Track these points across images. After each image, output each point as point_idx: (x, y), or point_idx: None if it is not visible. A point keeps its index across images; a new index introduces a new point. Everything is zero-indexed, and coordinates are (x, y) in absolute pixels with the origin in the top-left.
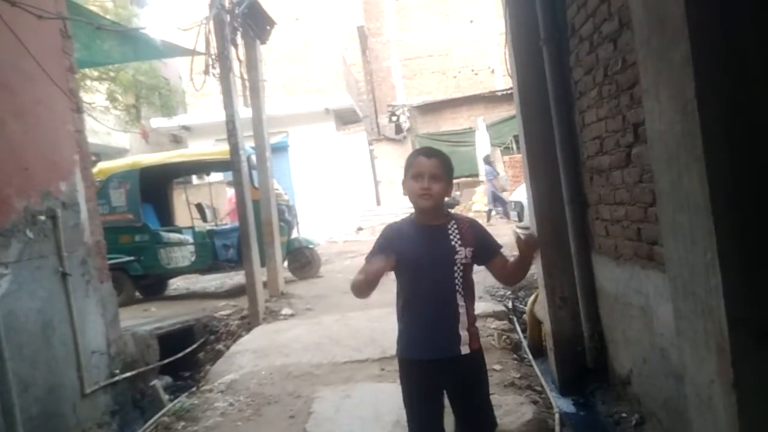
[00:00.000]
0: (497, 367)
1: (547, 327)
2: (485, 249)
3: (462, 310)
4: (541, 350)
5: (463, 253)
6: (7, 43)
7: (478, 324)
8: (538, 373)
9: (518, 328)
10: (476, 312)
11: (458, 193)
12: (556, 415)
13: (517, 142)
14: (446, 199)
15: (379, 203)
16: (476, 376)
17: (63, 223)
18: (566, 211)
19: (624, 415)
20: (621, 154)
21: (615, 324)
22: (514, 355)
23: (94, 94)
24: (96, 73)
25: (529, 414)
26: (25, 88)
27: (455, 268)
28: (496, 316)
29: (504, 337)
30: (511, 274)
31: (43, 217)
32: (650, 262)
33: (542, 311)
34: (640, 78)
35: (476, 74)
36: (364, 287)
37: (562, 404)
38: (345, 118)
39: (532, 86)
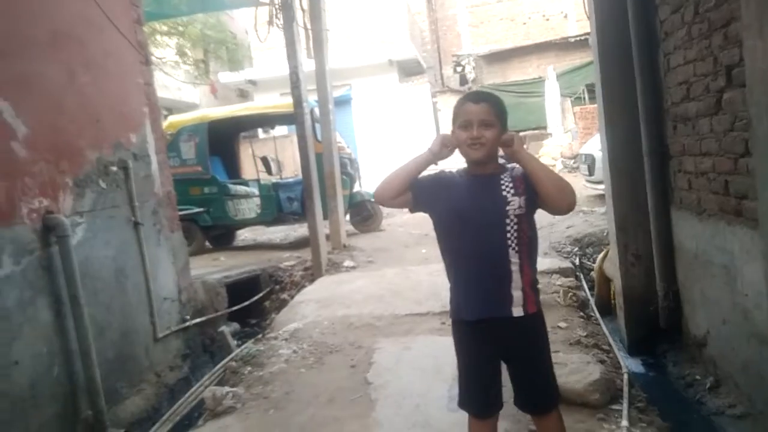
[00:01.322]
0: (563, 324)
1: (617, 285)
2: (533, 189)
3: (515, 268)
4: (609, 309)
5: (516, 202)
6: None
7: (543, 281)
8: (606, 331)
9: (585, 286)
10: (541, 269)
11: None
12: (625, 376)
13: (589, 92)
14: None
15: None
16: (531, 343)
17: (134, 174)
18: (645, 162)
19: (697, 377)
20: (710, 99)
21: (693, 283)
22: (581, 313)
23: (164, 48)
24: (165, 28)
25: (597, 373)
26: (94, 40)
27: (507, 220)
28: (562, 272)
29: (570, 294)
30: (541, 194)
31: (115, 168)
32: (737, 218)
33: (612, 268)
34: (741, 12)
35: (547, 20)
36: (400, 173)
37: (630, 364)
38: (408, 70)
39: (611, 26)
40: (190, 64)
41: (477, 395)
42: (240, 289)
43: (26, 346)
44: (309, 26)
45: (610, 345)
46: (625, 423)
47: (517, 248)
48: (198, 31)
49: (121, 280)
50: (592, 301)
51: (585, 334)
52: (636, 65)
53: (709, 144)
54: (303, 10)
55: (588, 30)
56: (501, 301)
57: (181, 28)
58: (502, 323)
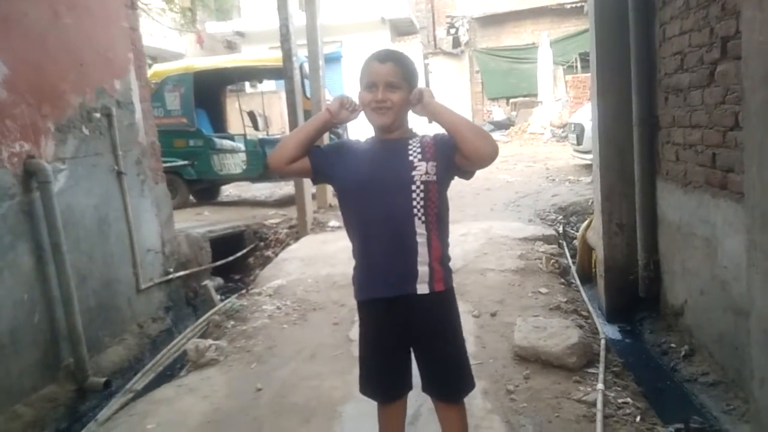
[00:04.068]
0: (543, 290)
1: (599, 253)
2: (447, 150)
3: (421, 240)
4: (590, 277)
5: (423, 168)
6: None
7: (527, 247)
8: (585, 298)
9: (567, 253)
10: (525, 235)
11: (514, 113)
12: (602, 341)
13: (582, 61)
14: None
15: (431, 121)
16: (438, 323)
17: (118, 122)
18: (634, 132)
19: (673, 345)
20: (704, 71)
21: (674, 254)
22: (562, 280)
23: None
24: None
25: (575, 337)
26: None
27: (413, 187)
28: (546, 239)
29: (552, 261)
30: (462, 143)
31: (98, 115)
32: (722, 191)
33: (595, 237)
34: None
35: None
36: (295, 136)
37: (608, 331)
38: (401, 29)
39: None
40: (177, 11)
41: (381, 382)
42: (224, 244)
43: (6, 292)
44: None
45: (588, 311)
46: (600, 386)
47: (423, 218)
48: None
49: (104, 230)
50: (573, 269)
51: (565, 299)
52: (632, 34)
53: (700, 116)
54: None
55: None
56: (405, 276)
57: None
58: (406, 302)
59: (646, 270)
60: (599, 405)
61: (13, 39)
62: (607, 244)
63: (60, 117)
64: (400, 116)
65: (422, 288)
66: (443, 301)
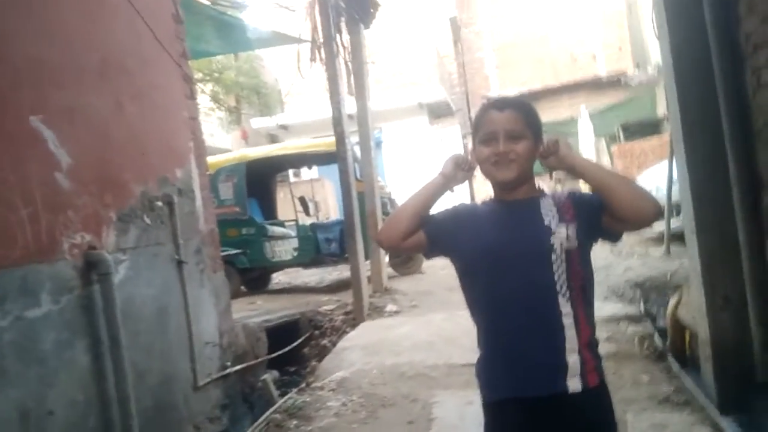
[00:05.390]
0: (645, 378)
1: (702, 333)
2: (591, 210)
3: (567, 320)
4: (684, 359)
5: (563, 232)
6: (125, 26)
7: (611, 328)
8: (692, 387)
9: (656, 334)
10: (607, 314)
11: (559, 187)
12: None
13: (624, 131)
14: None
15: (473, 199)
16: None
17: (179, 210)
18: (734, 192)
19: None
20: None
21: None
22: (661, 365)
23: (200, 95)
24: (200, 75)
25: None
26: (142, 72)
27: (553, 256)
28: (631, 318)
29: (647, 343)
30: (618, 204)
31: (160, 203)
32: None
33: (690, 314)
34: None
35: (575, 60)
36: (408, 207)
37: (725, 425)
38: (437, 112)
39: (688, 46)
40: (223, 110)
41: None
42: (279, 334)
43: (62, 394)
44: (349, 61)
45: (702, 404)
46: None
47: (568, 294)
48: (232, 77)
49: (163, 322)
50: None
51: (672, 389)
52: (719, 85)
53: None
54: (343, 46)
55: (619, 70)
56: (553, 369)
57: (216, 75)
58: (554, 403)
59: (765, 351)
60: None
61: (78, 129)
62: (712, 322)
63: (122, 206)
64: (526, 170)
65: (574, 384)
66: (599, 400)
